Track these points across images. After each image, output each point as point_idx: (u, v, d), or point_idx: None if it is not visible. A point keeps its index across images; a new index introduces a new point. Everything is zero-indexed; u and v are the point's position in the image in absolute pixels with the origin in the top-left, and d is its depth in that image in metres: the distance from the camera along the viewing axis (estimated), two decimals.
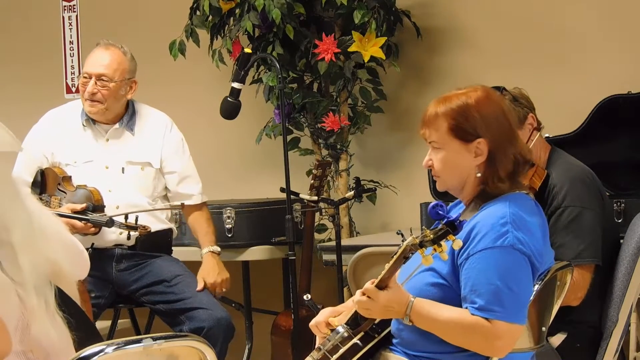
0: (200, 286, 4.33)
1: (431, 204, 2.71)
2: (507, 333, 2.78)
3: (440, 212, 2.70)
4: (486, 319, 2.77)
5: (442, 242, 2.69)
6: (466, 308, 2.80)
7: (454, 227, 2.68)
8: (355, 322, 2.93)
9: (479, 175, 2.89)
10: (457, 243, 2.70)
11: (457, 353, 2.84)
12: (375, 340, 2.94)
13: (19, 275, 2.33)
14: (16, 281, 2.32)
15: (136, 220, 4.17)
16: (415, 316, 2.82)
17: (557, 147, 3.71)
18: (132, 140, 4.48)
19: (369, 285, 2.84)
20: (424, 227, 2.74)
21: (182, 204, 4.41)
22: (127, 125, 4.48)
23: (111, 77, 4.39)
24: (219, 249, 4.48)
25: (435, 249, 2.68)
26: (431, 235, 2.69)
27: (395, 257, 2.76)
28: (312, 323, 3.11)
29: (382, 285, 2.81)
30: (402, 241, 2.75)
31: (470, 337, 2.80)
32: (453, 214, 2.75)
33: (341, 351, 2.91)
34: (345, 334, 2.93)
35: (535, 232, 2.85)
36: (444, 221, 2.69)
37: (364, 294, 2.84)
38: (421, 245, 2.69)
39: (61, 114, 4.57)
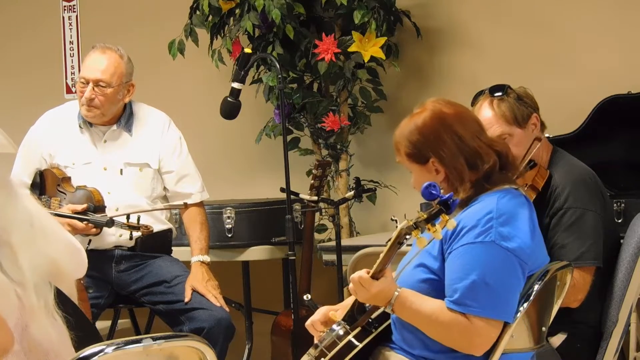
0: (187, 296, 4.28)
1: (424, 184, 2.70)
2: (484, 329, 2.78)
3: (433, 192, 2.70)
4: (461, 313, 2.77)
5: (437, 224, 2.68)
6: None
7: (447, 206, 2.68)
8: (351, 317, 2.94)
9: (443, 189, 2.90)
10: (451, 223, 2.70)
11: (455, 352, 2.84)
12: (372, 336, 2.94)
13: (19, 275, 2.33)
14: (16, 281, 2.32)
15: (138, 220, 4.17)
16: (398, 306, 2.83)
17: (559, 147, 3.71)
18: (129, 141, 4.46)
19: (364, 274, 2.83)
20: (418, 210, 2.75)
21: (185, 204, 4.40)
22: (124, 127, 4.45)
23: (109, 82, 4.33)
24: (208, 258, 4.41)
25: (429, 229, 2.67)
26: (425, 215, 2.68)
27: (390, 242, 2.75)
28: (307, 322, 3.12)
29: (377, 276, 2.81)
30: (397, 227, 2.74)
31: (448, 333, 2.81)
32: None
33: (338, 347, 2.91)
34: (342, 331, 2.93)
35: (523, 227, 2.85)
36: (437, 201, 2.69)
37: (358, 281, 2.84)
38: (416, 226, 2.69)
39: (58, 115, 4.55)
